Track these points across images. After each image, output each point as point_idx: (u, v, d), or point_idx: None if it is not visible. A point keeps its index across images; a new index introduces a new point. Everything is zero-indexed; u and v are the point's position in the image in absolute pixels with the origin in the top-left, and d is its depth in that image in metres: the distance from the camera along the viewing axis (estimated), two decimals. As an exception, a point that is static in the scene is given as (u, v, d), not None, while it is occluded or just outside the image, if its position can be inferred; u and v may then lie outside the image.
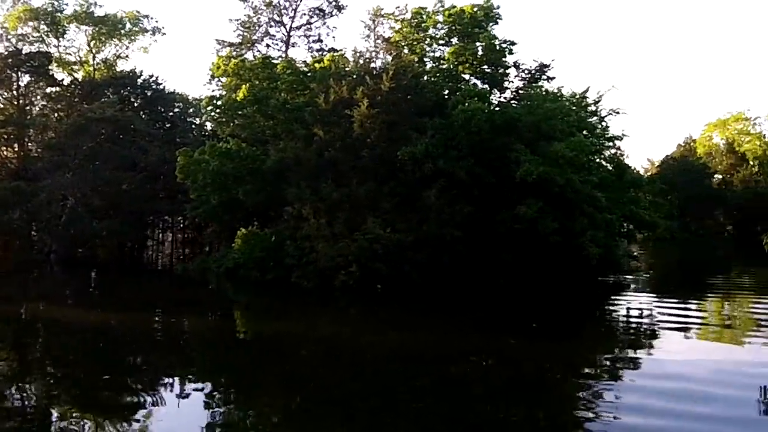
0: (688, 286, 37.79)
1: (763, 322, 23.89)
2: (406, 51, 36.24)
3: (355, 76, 33.35)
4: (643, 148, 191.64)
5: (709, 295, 32.82)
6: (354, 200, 30.01)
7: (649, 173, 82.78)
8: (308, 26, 55.71)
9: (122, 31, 55.86)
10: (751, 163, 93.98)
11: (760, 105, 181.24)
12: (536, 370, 16.81)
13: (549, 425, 12.79)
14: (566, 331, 22.94)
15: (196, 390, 14.70)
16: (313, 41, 55.33)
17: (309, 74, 35.55)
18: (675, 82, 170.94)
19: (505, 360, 17.82)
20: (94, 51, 55.76)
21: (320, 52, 44.03)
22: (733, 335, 21.81)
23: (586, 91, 38.82)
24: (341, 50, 42.07)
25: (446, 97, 34.54)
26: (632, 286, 34.04)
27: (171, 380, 15.65)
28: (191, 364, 17.82)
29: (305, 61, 39.95)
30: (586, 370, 17.11)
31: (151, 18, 56.94)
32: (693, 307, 28.13)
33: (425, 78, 35.20)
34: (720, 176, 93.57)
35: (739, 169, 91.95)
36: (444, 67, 36.32)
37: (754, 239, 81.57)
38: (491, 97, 35.21)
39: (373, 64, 34.51)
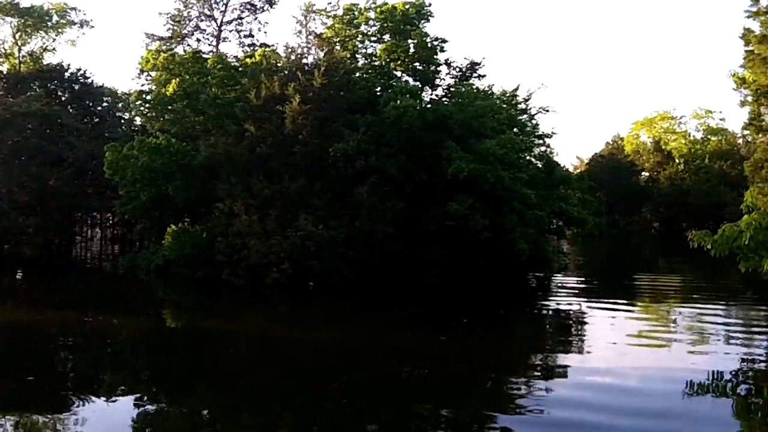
0: (616, 283, 38.76)
1: (687, 321, 24.51)
2: (338, 47, 36.14)
3: (286, 72, 33.15)
4: (572, 146, 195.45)
5: (636, 293, 33.57)
6: (286, 197, 29.82)
7: (578, 171, 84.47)
8: (239, 21, 55.23)
9: (49, 24, 54.19)
10: (677, 161, 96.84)
11: (685, 104, 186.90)
12: (467, 366, 16.99)
13: (479, 421, 12.90)
14: (497, 328, 23.30)
15: (125, 389, 14.50)
16: (245, 36, 54.91)
17: (240, 69, 35.20)
18: (604, 81, 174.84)
19: (437, 357, 17.88)
20: (19, 43, 54.04)
21: (252, 48, 43.65)
22: (658, 334, 22.37)
23: (517, 89, 39.49)
24: (273, 46, 41.85)
25: (378, 93, 34.61)
26: (561, 282, 34.66)
27: (99, 380, 15.40)
28: (120, 363, 17.50)
29: (236, 56, 39.58)
30: (516, 366, 17.34)
31: (79, 10, 55.54)
32: (620, 304, 28.59)
33: (357, 74, 35.22)
34: (647, 174, 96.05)
35: (665, 166, 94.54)
36: (376, 63, 36.38)
37: (678, 235, 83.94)
38: (423, 95, 35.42)
39: (305, 60, 34.35)
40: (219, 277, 29.48)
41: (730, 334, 21.76)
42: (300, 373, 16.20)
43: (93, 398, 13.44)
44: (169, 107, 36.25)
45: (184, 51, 45.55)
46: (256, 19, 55.10)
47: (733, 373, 16.16)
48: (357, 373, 16.08)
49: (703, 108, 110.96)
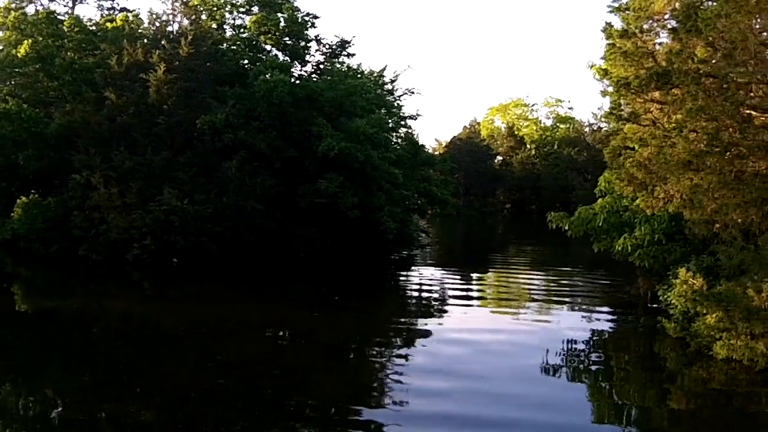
0: (473, 260, 40.04)
1: (534, 293, 26.36)
2: (204, 16, 34.95)
3: (150, 39, 31.75)
4: (431, 129, 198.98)
5: (490, 268, 34.97)
6: (148, 169, 28.62)
7: (437, 153, 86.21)
8: (97, -18, 52.20)
9: None
10: (528, 146, 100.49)
11: (537, 92, 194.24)
12: (338, 340, 17.27)
13: (350, 392, 13.07)
14: (365, 303, 23.53)
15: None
16: (104, -1, 51.92)
17: (99, 34, 33.36)
18: (462, 66, 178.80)
19: (306, 331, 17.99)
20: None
21: (111, 12, 41.41)
22: (509, 305, 23.87)
23: (384, 69, 39.86)
24: (134, 11, 39.88)
25: (247, 67, 33.83)
26: (423, 260, 35.35)
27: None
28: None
29: (95, 20, 37.38)
30: (384, 339, 17.84)
31: None
32: (475, 279, 30.42)
33: (225, 46, 34.24)
34: (501, 158, 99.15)
35: (518, 151, 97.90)
36: (245, 36, 35.49)
37: (529, 217, 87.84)
38: (292, 70, 34.95)
39: (169, 28, 32.96)
40: (75, 252, 28.00)
41: (575, 302, 24.25)
42: (163, 352, 15.64)
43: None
44: (19, 70, 33.89)
45: (37, 11, 42.55)
46: (116, -19, 52.30)
47: (582, 340, 17.81)
48: (225, 351, 15.73)
49: (553, 97, 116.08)
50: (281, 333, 17.75)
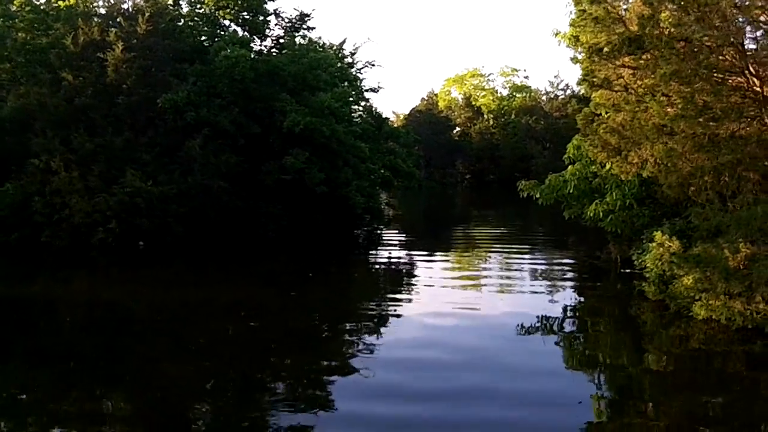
0: (440, 232, 40.21)
1: (502, 264, 26.49)
2: (160, -8, 34.11)
3: (105, 17, 30.95)
4: (388, 102, 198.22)
5: (458, 240, 35.35)
6: (110, 151, 27.93)
7: (396, 125, 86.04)
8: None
9: None
10: (486, 116, 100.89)
11: (493, 62, 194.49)
12: (307, 319, 17.24)
13: (322, 373, 12.98)
14: (334, 280, 23.44)
15: None
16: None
17: (52, 13, 32.36)
18: (416, 37, 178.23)
19: (277, 312, 17.82)
20: None
21: (62, -10, 40.22)
22: (477, 277, 23.74)
23: (343, 42, 39.54)
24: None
25: (206, 43, 33.22)
26: (390, 234, 35.26)
27: None
28: None
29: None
30: (353, 316, 17.67)
31: None
32: (444, 252, 30.68)
33: (182, 22, 33.54)
34: (459, 129, 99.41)
35: (476, 122, 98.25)
36: (202, 11, 34.76)
37: (489, 186, 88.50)
38: (252, 46, 34.41)
39: (125, 5, 32.16)
40: (37, 239, 27.26)
41: (545, 270, 24.58)
42: (132, 338, 15.28)
43: None
44: (-32, 53, 32.78)
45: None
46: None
47: (556, 308, 17.94)
48: (194, 333, 15.57)
49: (509, 66, 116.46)
50: (252, 314, 17.53)
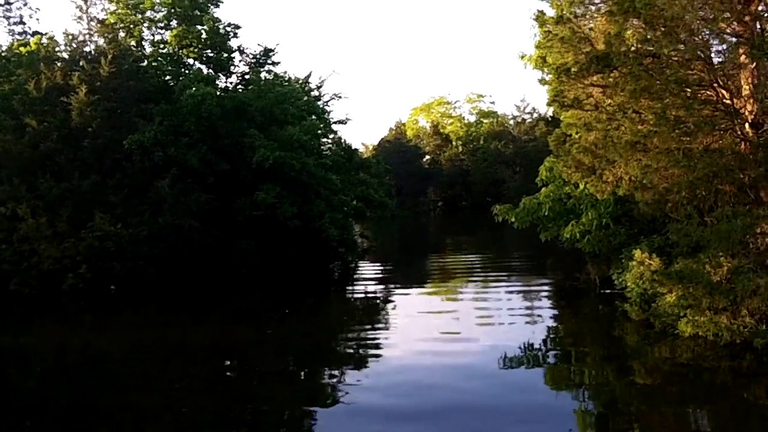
0: (416, 262, 39.91)
1: (481, 292, 26.05)
2: (122, 34, 33.83)
3: (68, 61, 30.55)
4: (356, 133, 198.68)
5: (435, 269, 34.99)
6: (77, 195, 27.42)
7: (365, 156, 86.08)
8: (7, 6, 50.11)
9: None
10: (455, 143, 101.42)
11: (459, 89, 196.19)
12: (284, 359, 16.80)
13: (303, 416, 12.69)
14: (311, 317, 22.88)
15: None
16: (14, 23, 49.84)
17: (14, 59, 31.92)
18: (382, 68, 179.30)
19: (255, 352, 17.38)
20: None
21: (23, 36, 39.79)
22: (457, 305, 23.57)
23: (309, 75, 39.51)
24: (48, 33, 38.21)
25: (170, 82, 32.92)
26: (365, 266, 34.90)
27: None
28: None
29: (7, 46, 35.78)
30: (331, 356, 17.22)
31: None
32: (422, 282, 30.24)
33: (146, 62, 33.24)
34: (429, 156, 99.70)
35: (445, 149, 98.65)
36: (165, 51, 34.51)
37: (461, 213, 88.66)
38: (217, 83, 34.20)
39: (87, 48, 31.73)
40: (6, 288, 26.60)
41: (525, 295, 24.21)
42: (109, 383, 14.82)
43: None
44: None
45: (-58, 40, 40.72)
46: (26, 5, 50.11)
47: (539, 332, 17.74)
48: (170, 376, 15.11)
49: (474, 92, 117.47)
50: (227, 354, 17.09)
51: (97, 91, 28.53)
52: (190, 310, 24.02)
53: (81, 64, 29.51)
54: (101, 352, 18.12)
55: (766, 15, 14.19)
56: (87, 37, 31.35)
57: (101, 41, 31.57)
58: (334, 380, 14.81)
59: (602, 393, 12.78)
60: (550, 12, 19.54)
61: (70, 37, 31.25)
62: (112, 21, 33.36)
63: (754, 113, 14.71)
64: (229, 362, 16.44)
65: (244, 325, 20.80)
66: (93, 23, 31.58)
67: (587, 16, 17.36)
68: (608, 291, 20.72)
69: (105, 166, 28.56)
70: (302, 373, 16.09)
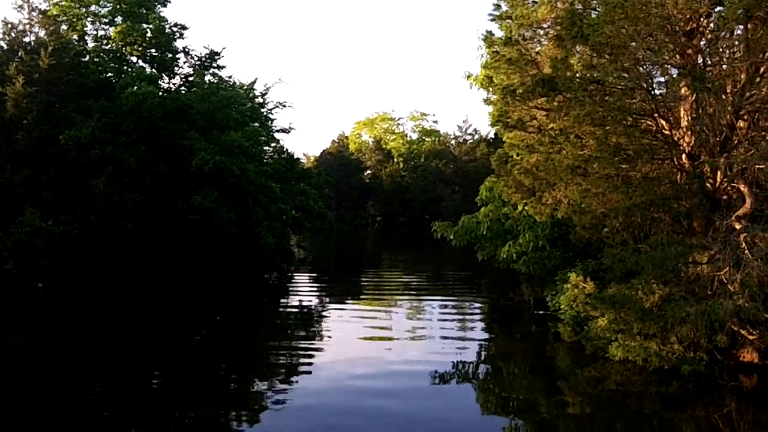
0: (350, 274, 39.82)
1: (414, 308, 25.92)
2: (64, 27, 32.98)
3: (6, 50, 29.64)
4: (299, 143, 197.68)
5: (368, 284, 34.84)
6: (8, 189, 26.52)
7: (306, 166, 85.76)
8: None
9: None
10: (396, 159, 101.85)
11: (403, 106, 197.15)
12: (214, 367, 16.48)
13: (230, 425, 12.51)
14: (244, 325, 22.59)
15: None
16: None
17: (-53, 46, 30.83)
18: (326, 79, 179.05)
19: (184, 359, 17.02)
20: None
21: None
22: (390, 329, 22.88)
23: (254, 82, 39.15)
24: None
25: (111, 79, 32.20)
26: (300, 275, 34.65)
27: None
28: None
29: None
30: (263, 365, 17.11)
31: None
32: (355, 295, 30.36)
33: (88, 57, 32.45)
34: (370, 171, 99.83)
35: (386, 164, 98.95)
36: (108, 47, 33.79)
37: (399, 229, 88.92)
38: (160, 83, 33.59)
39: (26, 39, 30.84)
40: (-74, 283, 25.58)
41: (458, 313, 24.25)
42: (31, 387, 14.26)
43: None
44: None
45: None
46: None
47: (471, 351, 17.78)
48: (93, 381, 14.64)
49: (418, 111, 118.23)
50: (154, 360, 16.67)
51: (35, 83, 27.75)
52: (119, 312, 23.38)
53: (20, 54, 28.66)
54: (23, 355, 17.45)
55: (708, 50, 14.58)
56: (27, 27, 30.42)
57: (42, 33, 30.70)
58: (263, 388, 14.68)
59: (532, 413, 12.84)
60: (499, 33, 19.82)
61: (9, 26, 30.27)
62: (55, 13, 32.56)
63: (691, 145, 15.08)
64: (156, 370, 15.99)
65: (173, 331, 20.39)
66: (34, 14, 30.68)
67: (535, 40, 17.62)
68: (541, 312, 20.92)
69: (39, 160, 27.73)
70: (231, 381, 15.76)
